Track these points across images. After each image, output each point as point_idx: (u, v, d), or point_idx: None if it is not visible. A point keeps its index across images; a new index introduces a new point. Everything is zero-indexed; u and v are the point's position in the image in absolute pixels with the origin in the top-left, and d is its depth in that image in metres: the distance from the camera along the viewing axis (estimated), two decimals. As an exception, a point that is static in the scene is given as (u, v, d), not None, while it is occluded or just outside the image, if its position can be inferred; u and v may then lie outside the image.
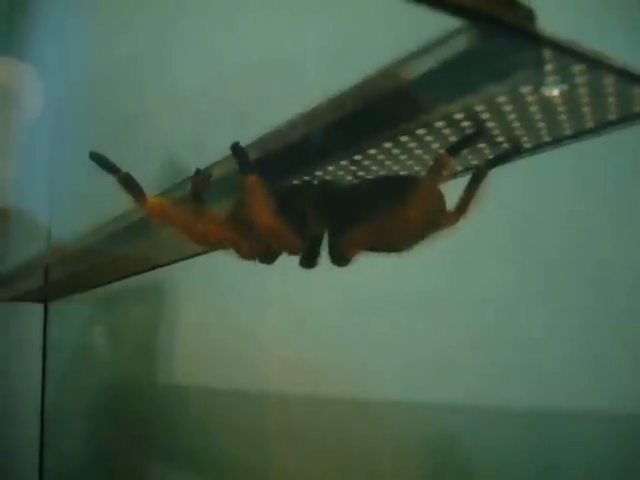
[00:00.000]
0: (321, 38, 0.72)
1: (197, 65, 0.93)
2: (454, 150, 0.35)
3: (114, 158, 0.39)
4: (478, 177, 0.40)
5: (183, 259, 0.71)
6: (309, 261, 0.43)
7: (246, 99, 0.81)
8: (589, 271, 0.52)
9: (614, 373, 0.49)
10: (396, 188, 0.38)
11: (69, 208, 1.17)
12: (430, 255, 0.61)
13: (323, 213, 0.40)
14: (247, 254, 0.41)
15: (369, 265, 0.63)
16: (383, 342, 0.67)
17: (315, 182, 0.41)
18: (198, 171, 0.41)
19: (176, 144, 0.87)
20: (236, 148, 0.35)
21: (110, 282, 0.95)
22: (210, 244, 0.40)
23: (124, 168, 0.39)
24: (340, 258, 0.41)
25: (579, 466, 0.51)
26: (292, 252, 0.39)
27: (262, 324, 0.83)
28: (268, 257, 0.44)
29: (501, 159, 0.39)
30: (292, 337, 0.79)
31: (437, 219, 0.38)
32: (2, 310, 1.15)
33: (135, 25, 1.08)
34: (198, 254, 0.64)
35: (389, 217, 0.36)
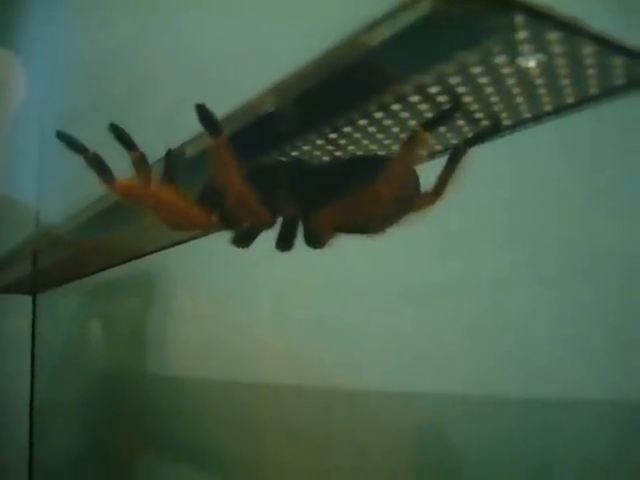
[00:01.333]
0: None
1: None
2: (430, 125, 0.34)
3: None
4: (456, 156, 0.38)
5: (174, 245, 0.70)
6: (284, 243, 0.42)
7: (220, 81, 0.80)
8: (584, 257, 0.51)
9: (610, 362, 0.48)
10: (371, 167, 0.36)
11: (58, 196, 1.16)
12: (422, 243, 0.61)
13: (295, 192, 0.39)
14: (219, 229, 0.40)
15: (362, 255, 0.63)
16: (377, 333, 0.66)
17: (287, 161, 0.40)
18: (169, 151, 0.39)
19: (151, 125, 0.86)
20: (200, 108, 0.33)
21: (100, 270, 0.94)
22: (182, 225, 0.39)
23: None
24: (314, 240, 0.40)
25: (574, 456, 0.50)
26: (262, 224, 0.38)
27: (254, 314, 0.83)
28: (243, 238, 0.42)
29: (480, 137, 0.38)
30: (284, 327, 0.78)
31: (411, 199, 0.37)
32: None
33: (115, 15, 1.08)
34: (188, 240, 0.63)
35: (359, 194, 0.35)
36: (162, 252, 0.73)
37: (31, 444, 1.15)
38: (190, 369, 0.95)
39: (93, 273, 0.95)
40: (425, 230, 0.40)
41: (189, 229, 0.40)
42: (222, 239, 0.42)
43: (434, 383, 0.60)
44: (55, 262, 0.89)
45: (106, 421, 1.13)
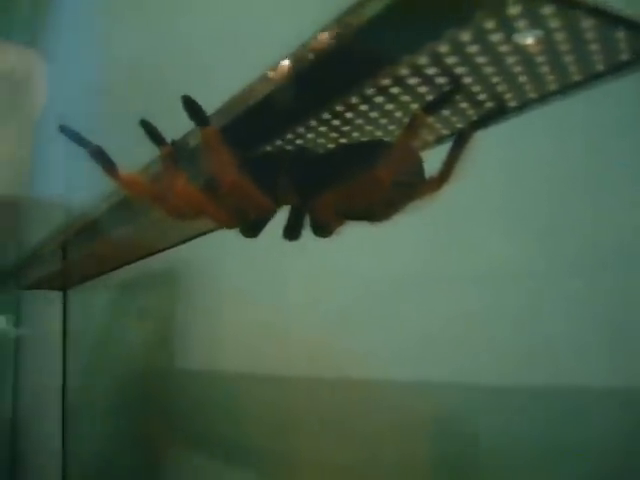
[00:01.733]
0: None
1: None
2: (430, 108, 0.33)
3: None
4: (461, 140, 0.38)
5: (196, 236, 0.71)
6: (291, 232, 0.42)
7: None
8: (584, 243, 0.49)
9: (620, 347, 0.47)
10: (373, 153, 0.36)
11: (86, 192, 1.18)
12: (430, 232, 0.60)
13: (296, 180, 0.38)
14: (226, 222, 0.39)
15: (385, 245, 0.62)
16: (396, 324, 0.65)
17: (289, 148, 0.40)
18: (173, 142, 0.39)
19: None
20: (186, 100, 0.33)
21: (127, 263, 0.95)
22: (186, 216, 0.39)
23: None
24: (320, 229, 0.40)
25: (587, 444, 0.49)
26: (262, 212, 0.38)
27: (280, 306, 0.82)
28: (250, 227, 0.42)
29: (485, 120, 0.37)
30: (310, 319, 0.78)
31: (415, 185, 0.36)
32: (23, 298, 1.17)
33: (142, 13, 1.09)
34: (210, 231, 0.63)
35: (360, 179, 0.34)
36: (187, 246, 0.74)
37: (64, 437, 1.17)
38: (219, 364, 0.95)
39: (121, 266, 0.96)
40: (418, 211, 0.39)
41: (197, 218, 0.40)
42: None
43: (454, 372, 0.59)
44: (83, 256, 0.90)
45: (137, 417, 1.14)
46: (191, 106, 0.33)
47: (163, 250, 0.83)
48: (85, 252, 0.90)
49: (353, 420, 0.69)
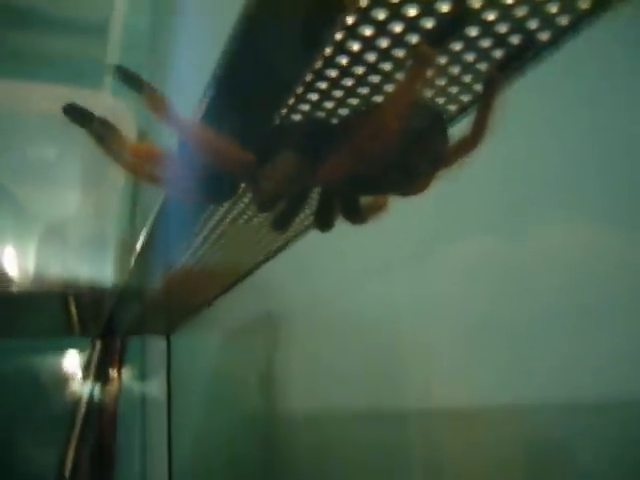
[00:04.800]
0: None
1: None
2: (436, 39, 0.29)
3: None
4: (490, 86, 0.33)
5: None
6: (323, 221, 0.38)
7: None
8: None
9: None
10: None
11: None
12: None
13: (306, 153, 0.35)
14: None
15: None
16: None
17: (295, 121, 0.37)
18: None
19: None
20: (120, 71, 0.32)
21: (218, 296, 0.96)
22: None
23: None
24: (352, 212, 0.36)
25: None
26: (247, 169, 0.34)
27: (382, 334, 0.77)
28: (279, 219, 0.39)
29: (512, 59, 0.32)
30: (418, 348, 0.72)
31: (436, 143, 0.32)
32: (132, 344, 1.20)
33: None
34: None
35: (365, 129, 0.30)
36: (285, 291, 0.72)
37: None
38: (329, 404, 0.91)
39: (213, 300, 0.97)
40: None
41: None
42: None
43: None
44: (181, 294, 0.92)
45: (248, 469, 1.12)
46: (125, 76, 0.32)
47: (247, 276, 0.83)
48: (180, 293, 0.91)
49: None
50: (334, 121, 0.38)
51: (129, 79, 0.32)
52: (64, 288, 0.97)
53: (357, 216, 0.38)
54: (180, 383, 1.20)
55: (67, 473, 1.07)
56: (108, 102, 0.87)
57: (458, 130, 0.35)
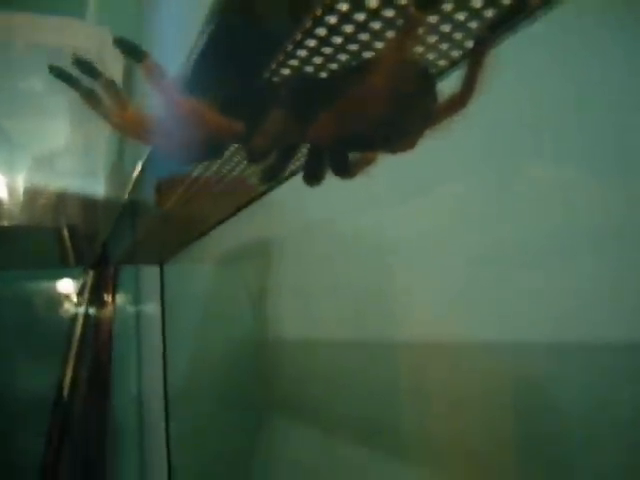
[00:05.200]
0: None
1: None
2: (425, 2, 0.28)
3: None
4: (480, 46, 0.32)
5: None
6: (310, 176, 0.38)
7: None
8: None
9: None
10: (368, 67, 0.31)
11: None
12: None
13: (295, 110, 0.35)
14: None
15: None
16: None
17: (282, 78, 0.36)
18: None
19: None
20: (119, 41, 0.31)
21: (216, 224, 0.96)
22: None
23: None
24: (341, 168, 0.36)
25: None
26: (237, 138, 0.34)
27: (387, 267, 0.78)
28: (268, 172, 0.39)
29: (504, 20, 0.32)
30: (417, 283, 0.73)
31: (424, 100, 0.32)
32: (125, 273, 1.21)
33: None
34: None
35: (356, 91, 0.30)
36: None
37: (166, 408, 1.21)
38: (317, 331, 0.93)
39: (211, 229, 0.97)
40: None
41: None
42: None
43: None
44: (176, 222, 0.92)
45: (239, 386, 1.15)
46: (125, 46, 0.31)
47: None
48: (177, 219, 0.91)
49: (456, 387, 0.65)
50: (323, 77, 0.37)
51: (130, 49, 0.32)
52: (56, 219, 0.97)
53: (346, 171, 0.38)
54: (173, 309, 1.23)
55: (65, 392, 1.10)
56: (92, 31, 0.85)
57: (447, 86, 0.35)
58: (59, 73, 0.35)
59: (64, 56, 0.36)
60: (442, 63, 0.37)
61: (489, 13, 0.32)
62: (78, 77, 0.35)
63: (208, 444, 1.22)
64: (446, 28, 0.33)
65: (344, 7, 0.30)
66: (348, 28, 0.32)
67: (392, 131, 0.33)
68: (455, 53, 0.36)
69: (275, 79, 0.37)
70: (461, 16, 0.32)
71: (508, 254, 0.56)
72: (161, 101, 0.32)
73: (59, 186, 0.97)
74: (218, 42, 0.32)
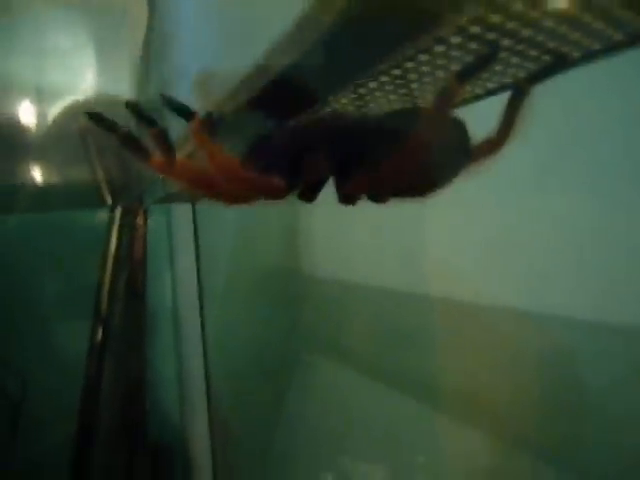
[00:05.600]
0: None
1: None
2: (463, 76, 0.28)
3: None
4: (517, 96, 0.33)
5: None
6: (309, 196, 0.39)
7: None
8: None
9: None
10: (409, 121, 0.32)
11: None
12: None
13: (330, 153, 0.35)
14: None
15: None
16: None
17: (320, 117, 0.37)
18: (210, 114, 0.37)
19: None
20: (167, 100, 0.32)
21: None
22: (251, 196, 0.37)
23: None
24: (348, 200, 0.37)
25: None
26: (276, 196, 0.35)
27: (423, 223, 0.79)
28: (307, 192, 0.40)
29: (544, 73, 0.31)
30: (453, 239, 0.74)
31: (458, 156, 0.32)
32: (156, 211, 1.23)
33: None
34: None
35: (392, 160, 0.31)
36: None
37: (204, 338, 1.27)
38: (348, 274, 0.95)
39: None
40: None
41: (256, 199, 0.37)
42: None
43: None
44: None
45: (271, 318, 1.19)
46: (174, 106, 0.32)
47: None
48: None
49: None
50: (351, 122, 0.37)
51: (178, 108, 0.32)
52: (87, 157, 0.99)
53: (351, 201, 0.39)
54: (207, 245, 1.26)
55: (103, 310, 1.13)
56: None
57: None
58: (133, 110, 0.34)
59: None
60: (478, 91, 0.37)
61: (528, 66, 0.31)
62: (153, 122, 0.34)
63: (244, 368, 1.28)
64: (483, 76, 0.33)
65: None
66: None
67: (424, 182, 0.34)
68: (479, 90, 0.35)
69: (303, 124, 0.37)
70: (499, 67, 0.32)
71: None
72: (206, 159, 0.33)
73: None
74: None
